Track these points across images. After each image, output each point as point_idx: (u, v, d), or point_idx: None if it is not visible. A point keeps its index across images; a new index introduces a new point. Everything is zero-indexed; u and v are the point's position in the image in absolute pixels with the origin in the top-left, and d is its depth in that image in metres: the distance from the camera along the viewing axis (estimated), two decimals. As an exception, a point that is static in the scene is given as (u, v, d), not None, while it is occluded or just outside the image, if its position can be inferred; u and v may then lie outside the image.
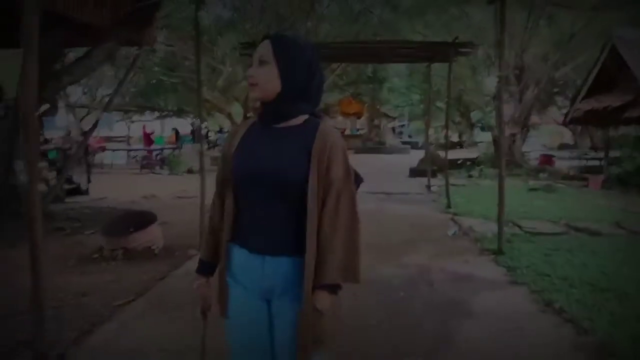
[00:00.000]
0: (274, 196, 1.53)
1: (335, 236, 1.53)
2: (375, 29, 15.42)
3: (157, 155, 18.18)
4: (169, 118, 30.81)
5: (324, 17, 15.92)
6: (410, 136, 36.92)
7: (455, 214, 7.74)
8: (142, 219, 5.48)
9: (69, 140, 14.16)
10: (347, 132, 29.03)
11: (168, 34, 13.84)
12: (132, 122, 33.21)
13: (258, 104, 1.62)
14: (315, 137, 1.54)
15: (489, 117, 20.09)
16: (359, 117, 30.42)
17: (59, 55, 7.49)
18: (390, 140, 28.39)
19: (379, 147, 25.36)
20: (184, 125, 30.94)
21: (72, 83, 8.10)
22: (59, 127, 19.16)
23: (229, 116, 18.20)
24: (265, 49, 1.56)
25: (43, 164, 9.44)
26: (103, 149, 19.52)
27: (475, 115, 32.06)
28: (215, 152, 17.09)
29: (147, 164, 16.96)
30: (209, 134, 26.70)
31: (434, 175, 12.05)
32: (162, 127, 35.01)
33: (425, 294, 4.10)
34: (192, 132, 29.37)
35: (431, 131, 17.84)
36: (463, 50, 8.88)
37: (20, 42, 2.77)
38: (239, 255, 1.60)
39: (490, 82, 18.48)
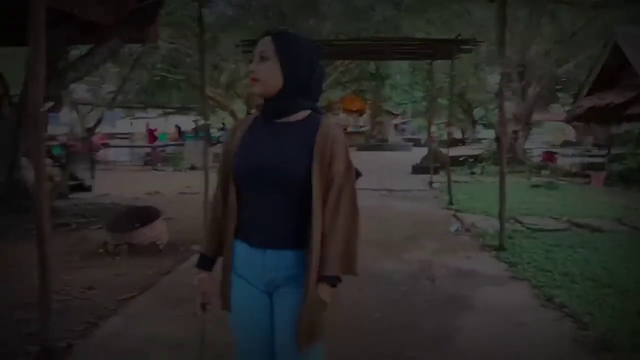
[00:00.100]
0: (276, 191, 1.55)
1: (337, 230, 1.55)
2: (378, 27, 15.41)
3: (160, 151, 18.25)
4: (171, 115, 30.93)
5: (327, 14, 15.92)
6: (412, 133, 36.92)
7: (457, 211, 7.77)
8: (146, 215, 5.52)
9: (73, 137, 14.21)
10: (350, 129, 29.04)
11: (171, 31, 13.87)
12: (135, 118, 33.35)
13: (261, 100, 1.65)
14: (318, 132, 1.56)
15: (491, 114, 20.10)
16: (361, 115, 30.42)
17: (62, 52, 7.53)
18: (393, 137, 28.39)
19: (381, 145, 25.37)
20: (187, 123, 31.02)
21: (76, 80, 8.15)
22: (63, 123, 19.20)
23: (232, 113, 18.25)
24: (266, 45, 1.57)
25: (47, 160, 9.49)
26: (106, 146, 19.58)
27: (477, 113, 32.08)
28: (218, 149, 17.15)
29: (150, 161, 17.02)
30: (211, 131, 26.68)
31: (436, 172, 12.07)
32: (166, 124, 35.11)
33: (427, 289, 4.14)
34: (195, 129, 29.43)
35: (434, 128, 17.87)
36: (465, 47, 8.89)
37: (28, 39, 2.81)
38: (241, 250, 1.63)
39: (493, 79, 18.51)
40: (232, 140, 1.66)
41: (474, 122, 34.78)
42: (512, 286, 4.21)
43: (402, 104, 30.43)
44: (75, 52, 10.78)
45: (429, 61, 11.13)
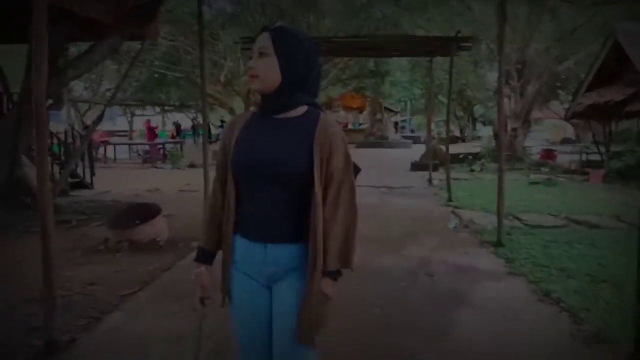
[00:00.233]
0: (275, 185, 1.56)
1: (337, 225, 1.57)
2: (378, 24, 15.42)
3: (160, 149, 18.28)
4: (170, 112, 30.95)
5: (326, 11, 15.93)
6: (412, 130, 36.98)
7: (456, 207, 7.80)
8: (147, 212, 5.55)
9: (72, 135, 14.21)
10: (350, 126, 29.06)
11: (171, 28, 13.87)
12: (134, 116, 33.37)
13: (259, 97, 1.65)
14: (317, 128, 1.58)
15: (490, 112, 20.11)
16: (361, 112, 30.45)
17: (62, 50, 7.55)
18: (393, 134, 28.40)
19: (381, 142, 25.38)
20: (186, 120, 31.05)
21: (76, 77, 8.16)
22: (64, 121, 19.24)
23: (231, 110, 18.26)
24: (264, 41, 1.57)
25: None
26: (106, 143, 19.61)
27: (477, 110, 32.10)
28: (217, 147, 17.13)
29: (149, 158, 17.05)
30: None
31: (435, 169, 12.11)
32: (164, 122, 35.14)
33: (426, 285, 4.18)
34: (193, 127, 29.48)
35: (433, 125, 17.89)
36: (465, 44, 8.91)
37: (27, 37, 2.84)
38: (240, 244, 1.64)
39: (492, 77, 18.51)
40: (230, 135, 1.66)
41: (473, 120, 34.84)
42: (509, 281, 4.25)
43: (402, 101, 30.47)
44: (73, 49, 10.83)
45: (429, 58, 11.15)
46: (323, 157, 1.55)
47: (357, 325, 3.23)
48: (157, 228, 5.46)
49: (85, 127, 18.03)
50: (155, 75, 18.21)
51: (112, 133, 32.31)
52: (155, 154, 17.56)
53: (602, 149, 13.37)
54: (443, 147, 12.90)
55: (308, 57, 1.60)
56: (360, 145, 23.87)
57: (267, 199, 1.57)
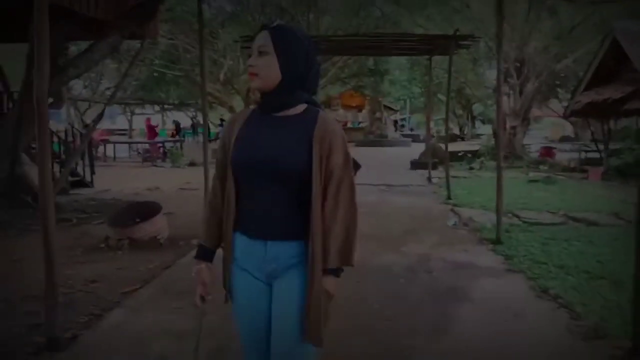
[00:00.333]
0: (274, 183, 1.57)
1: (337, 223, 1.58)
2: (377, 22, 15.45)
3: (160, 147, 18.29)
4: (169, 111, 30.94)
5: (326, 10, 15.95)
6: (411, 129, 36.98)
7: (455, 205, 7.83)
8: (147, 210, 5.58)
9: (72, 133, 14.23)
10: (349, 125, 29.06)
11: (170, 27, 13.89)
12: (133, 114, 33.37)
13: (259, 95, 1.66)
14: (316, 125, 1.59)
15: (489, 110, 20.14)
16: (360, 110, 30.46)
17: (62, 49, 7.57)
18: (392, 133, 28.42)
19: (380, 140, 25.38)
20: (185, 119, 31.06)
21: (77, 76, 8.19)
22: (64, 120, 19.26)
23: (231, 109, 18.28)
24: (264, 39, 1.57)
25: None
26: (105, 142, 19.62)
27: (476, 108, 32.13)
28: (216, 145, 17.15)
29: (149, 157, 17.06)
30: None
31: (434, 167, 12.14)
32: (164, 120, 35.14)
33: (425, 282, 4.21)
34: (193, 125, 29.50)
35: (432, 124, 17.91)
36: (463, 43, 8.93)
37: (27, 36, 2.86)
38: (241, 241, 1.65)
39: (492, 75, 18.50)
40: (230, 133, 1.66)
41: (472, 118, 34.86)
42: (508, 278, 4.27)
43: (401, 99, 30.48)
44: (73, 48, 10.83)
45: (428, 57, 11.17)
46: (322, 154, 1.56)
47: (356, 321, 3.25)
48: (158, 226, 5.49)
49: (85, 126, 18.04)
50: (155, 74, 18.24)
51: (111, 132, 32.33)
52: (155, 153, 17.58)
53: (601, 147, 13.40)
54: (442, 146, 12.92)
55: (307, 56, 1.60)
56: (360, 143, 23.88)
57: (267, 197, 1.58)
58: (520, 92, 16.06)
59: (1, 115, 8.08)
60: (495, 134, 15.17)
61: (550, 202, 7.89)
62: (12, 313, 3.46)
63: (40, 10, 2.77)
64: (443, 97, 22.32)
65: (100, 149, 18.30)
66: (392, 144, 24.87)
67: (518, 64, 15.75)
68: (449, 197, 8.52)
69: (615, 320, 3.20)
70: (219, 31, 15.05)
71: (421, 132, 29.41)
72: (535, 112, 20.33)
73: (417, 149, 17.48)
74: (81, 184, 10.12)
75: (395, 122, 33.77)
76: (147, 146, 18.88)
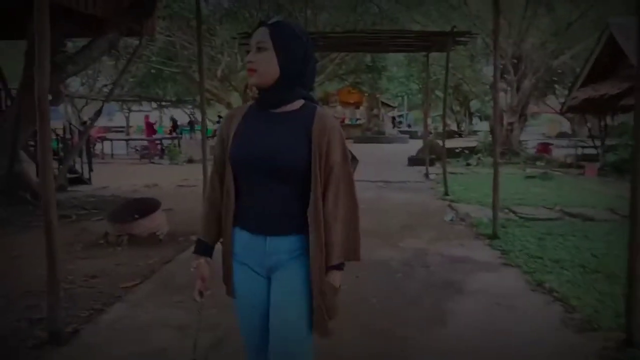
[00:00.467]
0: (273, 179, 1.58)
1: (339, 219, 1.61)
2: (374, 19, 15.44)
3: (158, 144, 18.29)
4: (166, 108, 30.88)
5: (323, 6, 15.93)
6: (409, 125, 37.01)
7: (452, 201, 7.88)
8: (146, 206, 5.60)
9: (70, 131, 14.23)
10: (347, 121, 29.08)
11: (168, 24, 13.88)
12: (130, 111, 33.32)
13: (256, 92, 1.66)
14: (314, 121, 1.60)
15: (487, 106, 20.18)
16: (358, 107, 30.47)
17: (61, 46, 7.57)
18: (390, 129, 28.44)
19: (378, 137, 25.40)
20: (182, 115, 31.01)
21: (75, 73, 8.21)
22: (61, 117, 19.22)
23: (228, 105, 18.27)
24: (262, 35, 1.57)
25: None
26: (103, 139, 19.62)
27: (474, 105, 32.17)
28: (214, 142, 17.13)
29: (147, 154, 17.06)
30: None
31: (432, 163, 12.18)
32: (161, 117, 35.10)
33: (422, 276, 4.25)
34: (190, 122, 29.45)
35: (430, 120, 17.96)
36: (461, 39, 8.96)
37: (25, 33, 2.88)
38: (240, 236, 1.66)
39: (489, 71, 18.56)
40: (228, 129, 1.67)
41: (470, 114, 34.92)
42: (504, 272, 4.32)
43: (399, 96, 30.48)
44: (69, 44, 10.82)
45: (425, 53, 11.19)
46: (321, 151, 1.57)
47: (354, 314, 3.29)
48: (157, 222, 5.52)
49: (83, 123, 18.03)
50: (152, 71, 18.20)
51: (108, 129, 32.29)
52: (153, 150, 17.58)
53: (598, 143, 13.47)
54: (440, 142, 12.96)
55: (305, 52, 1.61)
56: (358, 140, 23.91)
57: (266, 193, 1.59)
58: (518, 89, 16.11)
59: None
60: (492, 131, 15.24)
61: (547, 198, 7.95)
62: (13, 308, 3.49)
63: (40, 9, 2.79)
64: (440, 94, 22.38)
65: (98, 146, 18.29)
66: (389, 140, 24.90)
67: (515, 61, 15.79)
68: (446, 193, 8.57)
69: (609, 313, 3.25)
70: (217, 28, 15.02)
71: (419, 129, 29.47)
72: (532, 108, 20.37)
73: (414, 146, 17.53)
74: (79, 181, 10.13)
75: (393, 118, 33.79)
76: (145, 143, 18.88)
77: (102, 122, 26.58)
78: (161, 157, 16.84)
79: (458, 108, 33.29)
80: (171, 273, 4.34)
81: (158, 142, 18.74)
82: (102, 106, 7.54)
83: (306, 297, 1.61)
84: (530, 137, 20.95)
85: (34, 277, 3.83)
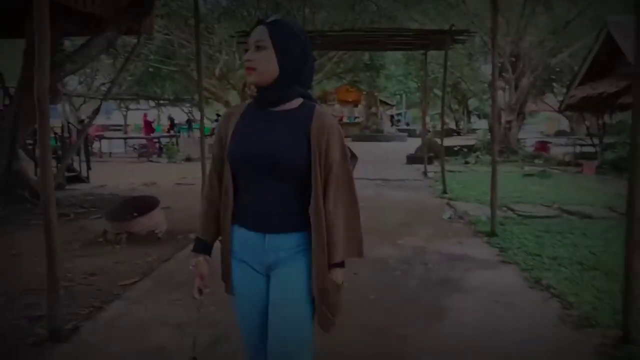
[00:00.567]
0: (272, 178, 1.59)
1: (339, 218, 1.62)
2: (372, 17, 15.44)
3: (156, 143, 18.28)
4: (165, 107, 30.83)
5: (321, 4, 15.92)
6: (407, 124, 37.02)
7: (450, 199, 7.90)
8: (145, 204, 5.60)
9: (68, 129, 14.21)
10: (345, 120, 29.09)
11: (166, 22, 13.86)
12: (128, 110, 33.26)
13: (255, 90, 1.66)
14: (313, 119, 1.60)
15: (485, 105, 20.19)
16: (356, 105, 30.47)
17: (58, 44, 7.56)
18: (388, 127, 28.45)
19: (376, 135, 25.43)
20: (180, 114, 30.98)
21: (74, 72, 8.18)
22: (60, 115, 19.20)
23: (227, 104, 18.25)
24: (261, 34, 1.57)
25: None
26: (101, 138, 19.59)
27: (472, 103, 32.16)
28: (212, 140, 17.13)
29: (145, 153, 17.05)
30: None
31: (430, 162, 12.20)
32: (159, 116, 35.04)
33: (420, 273, 4.27)
34: (188, 121, 29.43)
35: (428, 119, 17.97)
36: (459, 37, 8.96)
37: (24, 31, 2.88)
38: (239, 234, 1.67)
39: (487, 70, 18.57)
40: (226, 127, 1.67)
41: (468, 113, 34.93)
42: (502, 269, 4.34)
43: (397, 94, 30.47)
44: (67, 43, 10.80)
45: (423, 52, 11.19)
46: (320, 149, 1.58)
47: (352, 312, 3.30)
48: (155, 220, 5.52)
49: (81, 122, 18.00)
50: (150, 69, 18.18)
51: (106, 127, 32.24)
52: (151, 148, 17.57)
53: (596, 141, 13.49)
54: (438, 140, 12.98)
55: (304, 50, 1.61)
56: (356, 138, 23.92)
57: (265, 191, 1.60)
58: (516, 87, 16.12)
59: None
60: (490, 129, 15.26)
61: (545, 196, 7.98)
62: (12, 306, 3.50)
63: (40, 8, 2.79)
64: (439, 92, 22.40)
65: (96, 144, 18.27)
66: (388, 138, 24.93)
67: (513, 59, 15.79)
68: (444, 191, 8.58)
69: (606, 310, 3.27)
70: (215, 26, 15.00)
71: (417, 127, 29.50)
72: (530, 106, 20.40)
73: (413, 144, 17.55)
74: (77, 179, 10.12)
75: (392, 116, 33.81)
76: (143, 142, 18.86)
77: (100, 120, 26.55)
78: (159, 156, 16.83)
79: (456, 106, 33.28)
80: (170, 271, 4.35)
81: (156, 140, 18.72)
82: (100, 105, 7.54)
83: (305, 294, 1.62)
84: (529, 135, 20.98)
85: (33, 275, 3.84)
